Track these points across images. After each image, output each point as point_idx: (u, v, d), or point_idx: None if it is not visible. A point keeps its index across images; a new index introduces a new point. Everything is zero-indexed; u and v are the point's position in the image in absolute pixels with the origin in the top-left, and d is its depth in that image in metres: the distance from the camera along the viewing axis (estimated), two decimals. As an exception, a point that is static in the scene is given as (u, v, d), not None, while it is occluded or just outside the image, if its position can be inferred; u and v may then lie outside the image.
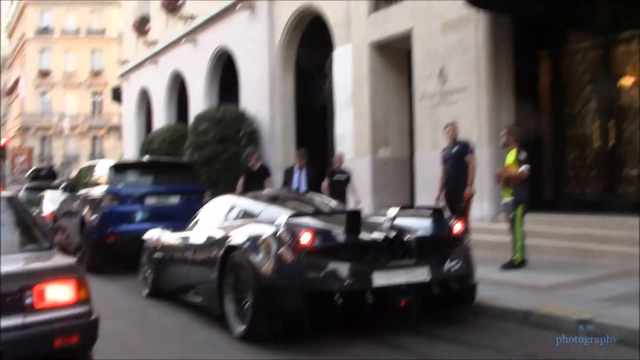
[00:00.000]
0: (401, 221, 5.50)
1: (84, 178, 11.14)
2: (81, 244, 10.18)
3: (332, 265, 4.94)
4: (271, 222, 5.28)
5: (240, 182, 10.73)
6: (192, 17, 18.67)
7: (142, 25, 23.19)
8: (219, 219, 6.58)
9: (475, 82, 9.89)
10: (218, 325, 5.61)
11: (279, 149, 14.94)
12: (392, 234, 5.19)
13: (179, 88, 20.98)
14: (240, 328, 5.18)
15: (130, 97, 25.18)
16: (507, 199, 7.50)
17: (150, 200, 9.80)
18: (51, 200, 13.70)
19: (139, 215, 9.63)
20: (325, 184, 10.33)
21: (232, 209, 6.58)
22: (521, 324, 5.45)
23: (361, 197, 10.75)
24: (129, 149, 25.09)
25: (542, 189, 10.08)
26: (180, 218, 8.07)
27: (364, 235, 5.18)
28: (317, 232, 5.08)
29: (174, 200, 9.97)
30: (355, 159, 12.20)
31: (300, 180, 10.44)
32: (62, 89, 51.99)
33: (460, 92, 10.13)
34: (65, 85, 52.01)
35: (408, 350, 4.86)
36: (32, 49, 51.95)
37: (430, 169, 9.69)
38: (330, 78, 13.67)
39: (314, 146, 13.80)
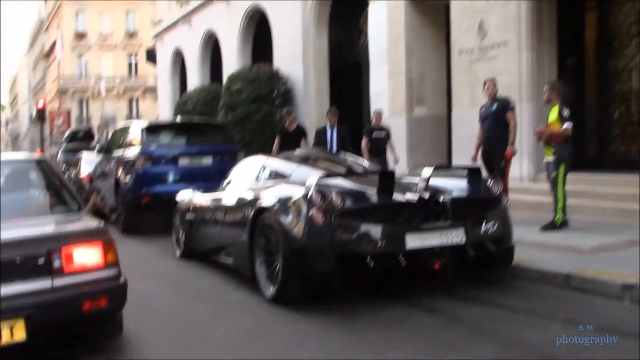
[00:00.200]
0: (436, 181, 5.34)
1: (118, 139, 11.16)
2: (116, 205, 10.27)
3: (364, 227, 4.80)
4: (302, 183, 5.15)
5: (276, 143, 10.63)
6: (224, -25, 18.38)
7: (174, -16, 22.97)
8: (250, 180, 6.49)
9: (516, 36, 9.49)
10: (249, 287, 5.56)
11: (312, 108, 14.76)
12: (427, 194, 5.02)
13: (212, 48, 20.84)
14: (270, 290, 5.12)
15: (165, 58, 25.14)
16: (549, 157, 7.22)
17: (184, 161, 9.77)
18: (88, 162, 13.85)
19: (172, 176, 9.62)
20: (364, 142, 10.17)
21: (263, 169, 6.48)
22: (561, 287, 5.24)
23: (399, 155, 10.59)
24: (164, 110, 25.19)
25: (585, 147, 9.75)
26: (214, 179, 8.01)
27: (397, 196, 5.02)
28: (348, 194, 4.95)
29: (207, 161, 9.92)
30: (391, 117, 11.94)
31: (332, 138, 10.29)
32: (98, 51, 52.33)
33: (500, 46, 9.74)
34: (101, 47, 52.32)
35: (442, 313, 4.73)
36: (67, 11, 52.20)
37: (468, 127, 9.41)
38: (365, 34, 13.33)
39: (348, 105, 13.60)
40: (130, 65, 52.91)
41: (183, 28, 22.23)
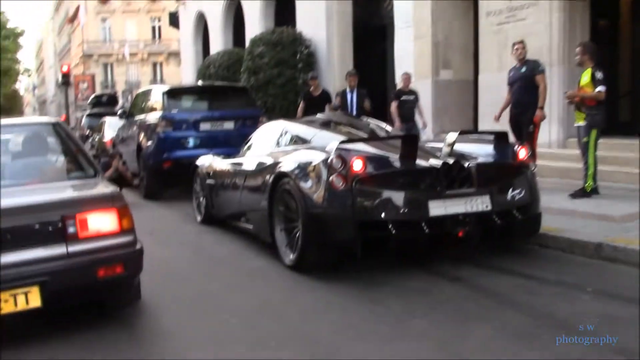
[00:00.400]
0: (461, 147, 5.16)
1: (140, 104, 11.08)
2: (139, 170, 10.24)
3: (386, 194, 4.66)
4: (322, 149, 5.01)
5: (301, 108, 10.47)
6: None
7: (196, -54, 22.59)
8: (270, 144, 6.36)
9: (547, -4, 9.10)
10: (270, 253, 5.48)
11: (336, 72, 14.47)
12: (451, 160, 4.84)
13: (235, 11, 20.54)
14: (290, 257, 5.04)
15: (187, 21, 24.88)
16: (580, 122, 6.95)
17: (205, 126, 9.66)
18: (111, 127, 13.87)
19: (193, 141, 9.53)
20: (394, 105, 9.98)
21: (283, 134, 6.34)
22: (592, 257, 5.07)
23: (427, 120, 10.37)
24: (187, 74, 25.03)
25: (617, 111, 9.41)
26: (235, 144, 7.89)
27: (420, 162, 4.86)
28: (369, 159, 4.79)
29: (229, 125, 9.79)
30: (416, 81, 11.63)
31: (352, 101, 10.10)
32: (122, 15, 52.17)
33: (530, 7, 9.36)
34: (125, 11, 52.12)
35: (466, 282, 4.59)
36: (91, -25, 52.02)
37: (495, 92, 9.11)
38: (389, -4, 12.96)
39: (373, 69, 13.31)
40: (153, 29, 52.71)
41: (205, -9, 21.91)
